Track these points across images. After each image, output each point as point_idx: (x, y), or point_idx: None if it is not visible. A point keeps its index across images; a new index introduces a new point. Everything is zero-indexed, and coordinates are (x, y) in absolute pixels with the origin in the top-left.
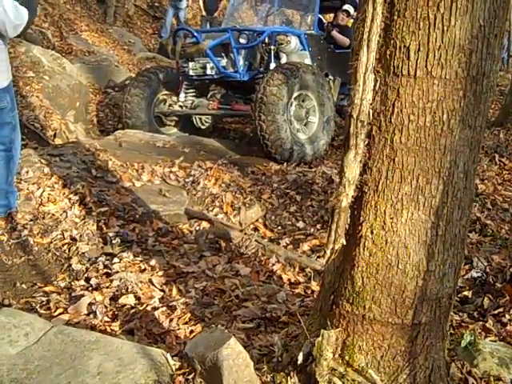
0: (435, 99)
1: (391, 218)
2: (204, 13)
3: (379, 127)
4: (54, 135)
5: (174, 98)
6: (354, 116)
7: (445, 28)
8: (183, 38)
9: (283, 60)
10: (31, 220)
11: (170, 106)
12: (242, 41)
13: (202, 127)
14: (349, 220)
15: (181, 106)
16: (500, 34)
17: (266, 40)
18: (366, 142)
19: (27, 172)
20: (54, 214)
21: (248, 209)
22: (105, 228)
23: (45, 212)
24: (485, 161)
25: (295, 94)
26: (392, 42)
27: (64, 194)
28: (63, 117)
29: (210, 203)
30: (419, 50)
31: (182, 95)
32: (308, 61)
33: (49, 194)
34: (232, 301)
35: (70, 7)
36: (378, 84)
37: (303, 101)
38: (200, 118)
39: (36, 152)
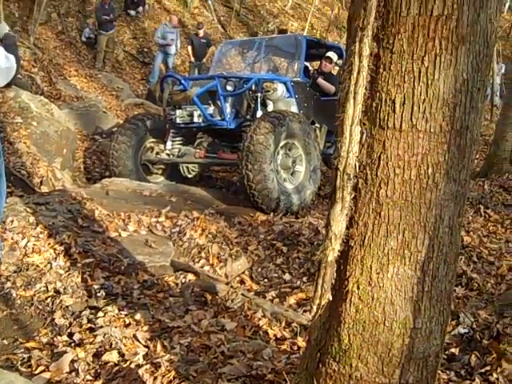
0: (420, 152)
1: (377, 273)
2: (192, 59)
3: (365, 180)
4: (41, 182)
5: (161, 146)
6: (341, 169)
7: (429, 82)
8: (171, 85)
9: (270, 107)
10: (15, 272)
11: (157, 153)
12: (229, 88)
13: (189, 176)
14: (335, 275)
15: (168, 154)
16: (483, 87)
17: (253, 87)
18: (353, 196)
19: (12, 221)
20: (38, 266)
21: (234, 261)
22: (90, 280)
23: (29, 263)
24: (470, 212)
25: (282, 143)
26: (378, 94)
27: (49, 244)
28: (50, 164)
29: (196, 254)
30: (404, 103)
31: (169, 143)
32: (294, 108)
33: (33, 245)
34: (217, 357)
35: (59, 52)
36: (364, 136)
37: (290, 149)
38: (187, 167)
39: (22, 200)
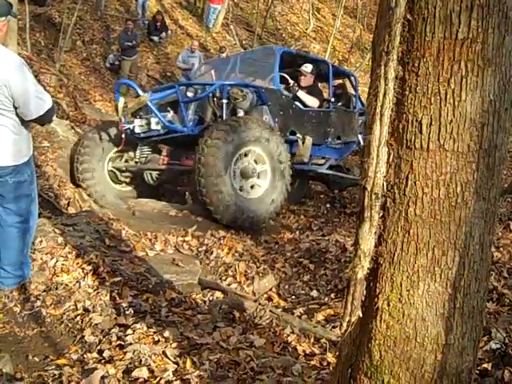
0: (448, 172)
1: (407, 290)
2: None
3: (393, 199)
4: (68, 204)
5: (131, 154)
6: (369, 189)
7: (456, 103)
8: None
9: (240, 116)
10: (44, 291)
11: (126, 161)
12: (190, 94)
13: (152, 183)
14: (365, 292)
15: (136, 162)
16: (510, 107)
17: (217, 94)
18: (381, 214)
19: (41, 242)
20: (67, 285)
21: (261, 278)
22: (118, 298)
23: (58, 282)
24: (499, 228)
25: (240, 151)
26: (404, 116)
27: (77, 263)
28: (76, 186)
29: (223, 272)
30: (431, 123)
31: (138, 152)
32: (268, 116)
33: (62, 264)
34: (247, 373)
35: (84, 78)
36: (391, 157)
37: (250, 158)
38: (150, 174)
39: (50, 221)
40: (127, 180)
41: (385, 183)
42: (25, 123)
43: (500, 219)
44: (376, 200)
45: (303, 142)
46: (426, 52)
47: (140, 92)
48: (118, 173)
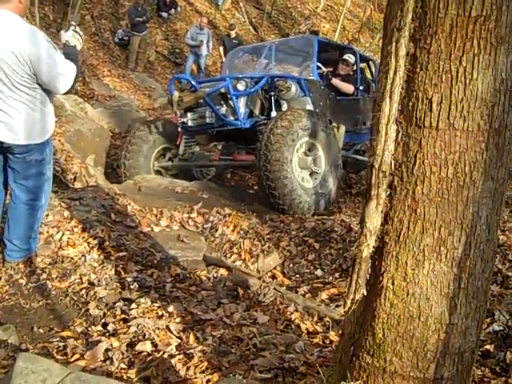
0: (457, 151)
1: (413, 269)
2: (224, 59)
3: (401, 178)
4: (74, 179)
5: (174, 151)
6: (376, 166)
7: (467, 81)
8: (182, 87)
9: (284, 107)
10: (50, 264)
11: (169, 159)
12: (241, 88)
13: (204, 180)
14: (370, 270)
15: (181, 159)
16: None
17: (266, 87)
18: (388, 193)
19: (47, 215)
20: (72, 258)
21: (266, 256)
22: (123, 273)
23: (64, 256)
24: (505, 211)
25: (300, 141)
26: (414, 93)
27: (83, 237)
28: (83, 161)
29: (228, 250)
30: (441, 102)
31: (181, 148)
32: (310, 107)
33: (68, 238)
34: (250, 349)
35: (93, 53)
36: (400, 135)
37: (309, 149)
38: (201, 171)
39: (56, 195)
40: (172, 178)
41: (393, 161)
42: (48, 100)
43: (506, 202)
44: (383, 178)
45: (338, 130)
46: (438, 29)
47: (197, 87)
48: (163, 171)
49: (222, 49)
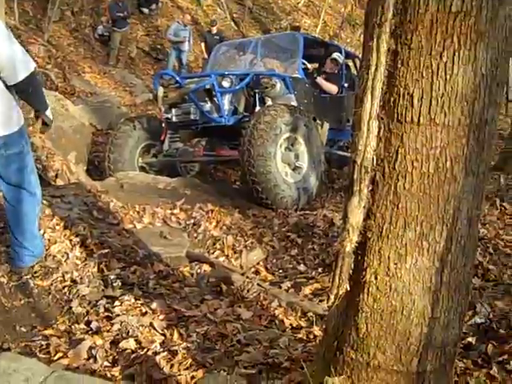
0: (438, 146)
1: (395, 264)
2: (206, 55)
3: (383, 173)
4: (56, 176)
5: (158, 148)
6: (358, 162)
7: (448, 77)
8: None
9: (269, 104)
10: None
11: (154, 155)
12: (226, 84)
13: (188, 176)
14: (353, 265)
15: (165, 155)
16: (501, 82)
17: (251, 84)
18: (370, 188)
19: None
20: (55, 256)
21: (249, 252)
22: (106, 270)
23: (46, 254)
24: (486, 205)
25: (283, 137)
26: (395, 89)
27: (65, 235)
28: (65, 158)
29: (211, 246)
30: (422, 97)
31: (166, 144)
32: (294, 104)
33: (50, 236)
34: (234, 346)
35: (73, 49)
36: (381, 131)
37: (292, 144)
38: (185, 166)
39: None
40: (156, 174)
41: (374, 157)
42: (9, 89)
43: (487, 196)
44: (365, 174)
45: (321, 127)
46: (419, 25)
47: (182, 83)
48: (147, 167)
49: (203, 45)
